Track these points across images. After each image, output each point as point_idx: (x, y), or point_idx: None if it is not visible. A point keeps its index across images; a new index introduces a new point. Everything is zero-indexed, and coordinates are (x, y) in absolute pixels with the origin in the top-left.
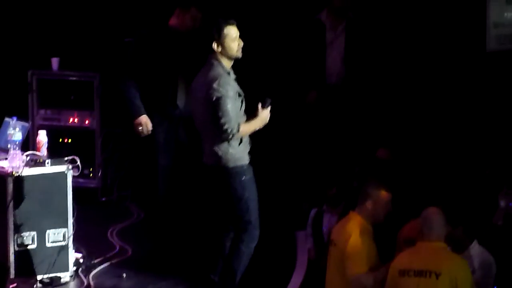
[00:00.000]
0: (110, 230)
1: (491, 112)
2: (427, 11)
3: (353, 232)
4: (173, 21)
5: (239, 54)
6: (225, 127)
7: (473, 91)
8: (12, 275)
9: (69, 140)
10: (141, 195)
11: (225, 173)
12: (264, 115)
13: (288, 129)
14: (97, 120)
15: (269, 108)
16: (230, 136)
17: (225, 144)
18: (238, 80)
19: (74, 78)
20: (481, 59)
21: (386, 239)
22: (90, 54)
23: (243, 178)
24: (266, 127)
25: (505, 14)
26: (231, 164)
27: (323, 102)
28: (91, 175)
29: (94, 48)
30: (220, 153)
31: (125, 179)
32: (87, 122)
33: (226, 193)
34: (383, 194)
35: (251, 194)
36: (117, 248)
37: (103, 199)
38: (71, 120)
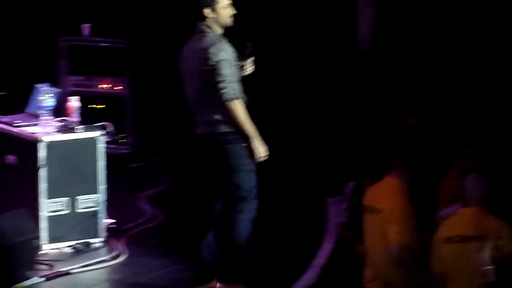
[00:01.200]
0: (140, 197)
1: None
2: None
3: (391, 196)
4: None
5: (230, 22)
6: (225, 90)
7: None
8: (44, 241)
9: (101, 106)
10: (171, 162)
11: (221, 139)
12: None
13: (321, 96)
14: (127, 86)
15: (251, 58)
16: (230, 100)
17: (220, 110)
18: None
19: (105, 45)
20: None
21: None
22: (121, 20)
23: (241, 144)
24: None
25: None
26: (228, 128)
27: (354, 69)
28: (121, 141)
29: (125, 15)
30: (215, 119)
31: (155, 145)
32: (118, 88)
33: (222, 160)
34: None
35: (247, 162)
36: (148, 214)
37: (134, 165)
38: (102, 86)
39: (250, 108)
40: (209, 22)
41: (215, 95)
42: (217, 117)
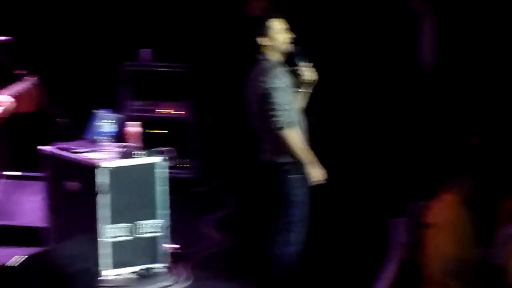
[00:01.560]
0: (204, 221)
1: None
2: None
3: (449, 211)
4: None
5: (288, 47)
6: (276, 118)
7: None
8: (108, 267)
9: (163, 131)
10: (234, 186)
11: (274, 168)
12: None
13: (385, 116)
14: (190, 110)
15: (306, 64)
16: (281, 128)
17: (276, 139)
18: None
19: (167, 69)
20: None
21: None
22: (182, 44)
23: (290, 176)
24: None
25: None
26: (280, 159)
27: (418, 89)
28: (185, 165)
29: (186, 39)
30: (271, 147)
31: (220, 169)
32: (179, 112)
33: (272, 189)
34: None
35: (297, 194)
36: (213, 239)
37: (198, 189)
38: (164, 111)
39: (313, 130)
40: (265, 49)
41: (268, 122)
42: (273, 145)
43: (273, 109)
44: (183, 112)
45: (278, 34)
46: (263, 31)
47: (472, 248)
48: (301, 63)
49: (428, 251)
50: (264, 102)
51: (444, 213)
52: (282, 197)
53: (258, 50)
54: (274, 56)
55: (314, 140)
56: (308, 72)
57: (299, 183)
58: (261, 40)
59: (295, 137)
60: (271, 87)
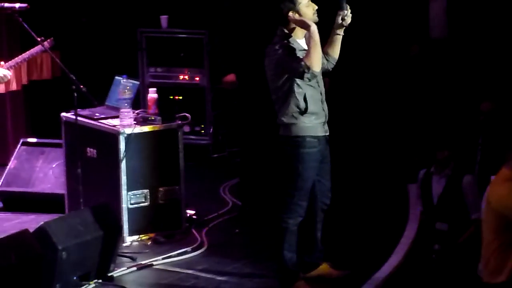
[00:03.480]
0: (222, 187)
1: None
2: None
3: (501, 186)
4: None
5: (315, 19)
6: (293, 67)
7: None
8: (125, 233)
9: (180, 98)
10: (250, 153)
11: (286, 142)
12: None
13: (394, 83)
14: (207, 77)
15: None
16: (306, 73)
17: (287, 114)
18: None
19: (183, 36)
20: None
21: None
22: (199, 11)
23: (302, 150)
24: (375, 80)
25: None
26: (293, 133)
27: (427, 56)
28: (202, 132)
29: (203, 6)
30: (284, 122)
31: (236, 135)
32: (197, 79)
33: (284, 160)
34: None
35: (305, 169)
36: (230, 204)
37: (215, 156)
38: (181, 77)
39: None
40: (291, 26)
41: (284, 97)
42: (287, 119)
43: (287, 63)
44: (198, 79)
45: (307, 7)
46: (291, 6)
47: None
48: (346, 6)
49: (484, 227)
50: (278, 66)
51: (496, 189)
52: (293, 170)
53: (280, 21)
54: (299, 35)
55: (331, 102)
56: (349, 17)
57: (310, 159)
58: (291, 15)
59: (311, 54)
60: (282, 49)
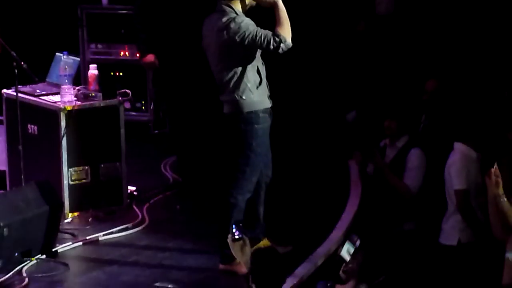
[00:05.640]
0: (163, 163)
1: None
2: None
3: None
4: None
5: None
6: (268, 40)
7: None
8: (67, 210)
9: (120, 74)
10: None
11: (237, 119)
12: None
13: (339, 58)
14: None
15: None
16: (282, 44)
17: (240, 90)
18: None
19: (124, 12)
20: None
21: None
22: None
23: (256, 126)
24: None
25: None
26: (245, 109)
27: (373, 32)
28: (142, 108)
29: None
30: (236, 98)
31: (176, 113)
32: (137, 55)
33: (235, 139)
34: None
35: (258, 145)
36: (171, 180)
37: (155, 132)
38: (121, 53)
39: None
40: (232, 1)
41: (240, 73)
42: (237, 96)
43: (259, 38)
44: (139, 55)
45: None
46: None
47: None
48: None
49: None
50: (240, 46)
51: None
52: (246, 146)
53: (219, 1)
54: (240, 9)
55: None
56: None
57: (263, 134)
58: None
59: (282, 27)
60: (244, 30)
